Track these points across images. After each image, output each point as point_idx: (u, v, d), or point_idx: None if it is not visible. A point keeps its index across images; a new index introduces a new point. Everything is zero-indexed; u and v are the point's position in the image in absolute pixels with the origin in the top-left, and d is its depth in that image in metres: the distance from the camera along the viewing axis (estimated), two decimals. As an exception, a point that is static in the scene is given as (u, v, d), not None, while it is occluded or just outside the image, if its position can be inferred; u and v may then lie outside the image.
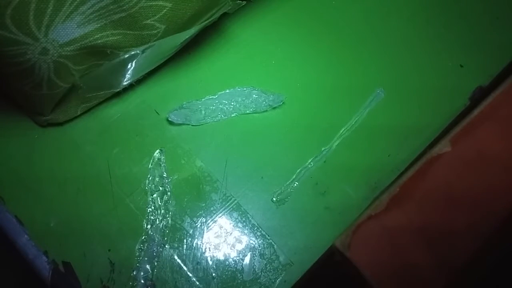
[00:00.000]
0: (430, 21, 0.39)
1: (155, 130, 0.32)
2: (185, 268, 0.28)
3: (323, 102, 0.35)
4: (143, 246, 0.28)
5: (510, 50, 0.38)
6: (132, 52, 0.27)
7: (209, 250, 0.29)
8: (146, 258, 0.28)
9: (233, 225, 0.30)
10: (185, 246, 0.29)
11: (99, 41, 0.25)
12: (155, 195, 0.30)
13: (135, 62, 0.29)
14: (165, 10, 0.26)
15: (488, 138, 0.32)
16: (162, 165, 0.31)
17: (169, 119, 0.32)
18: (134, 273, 0.28)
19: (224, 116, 0.33)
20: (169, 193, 0.30)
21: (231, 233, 0.30)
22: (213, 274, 0.28)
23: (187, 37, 0.29)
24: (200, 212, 0.30)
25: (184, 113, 0.32)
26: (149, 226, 0.29)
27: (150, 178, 0.31)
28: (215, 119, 0.33)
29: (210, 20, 0.30)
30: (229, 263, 0.29)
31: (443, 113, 0.35)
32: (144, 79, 0.34)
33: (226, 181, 0.31)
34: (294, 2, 0.39)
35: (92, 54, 0.26)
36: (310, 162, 0.32)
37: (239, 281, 0.28)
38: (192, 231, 0.30)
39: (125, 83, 0.31)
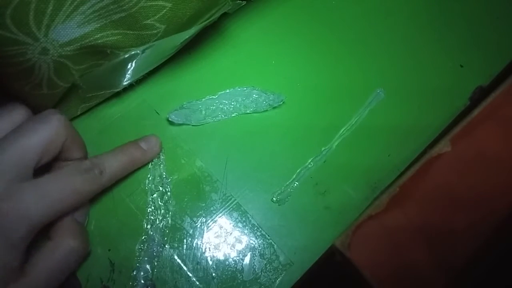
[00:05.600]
0: (430, 21, 0.39)
1: (155, 130, 0.32)
2: (185, 268, 0.28)
3: (323, 102, 0.35)
4: (143, 246, 0.28)
5: (510, 50, 0.38)
6: (132, 52, 0.27)
7: (209, 250, 0.29)
8: (146, 258, 0.28)
9: (233, 225, 0.30)
10: (185, 246, 0.29)
11: (99, 41, 0.25)
12: (155, 195, 0.30)
13: (135, 62, 0.29)
14: (165, 10, 0.26)
15: (488, 138, 0.32)
16: (162, 165, 0.31)
17: (170, 119, 0.32)
18: (134, 273, 0.28)
19: (224, 116, 0.33)
20: (169, 193, 0.30)
21: (231, 233, 0.30)
22: (213, 274, 0.28)
23: (187, 37, 0.29)
24: (200, 212, 0.30)
25: (184, 113, 0.32)
26: (149, 226, 0.29)
27: (150, 178, 0.31)
28: (216, 119, 0.33)
29: (210, 20, 0.30)
30: (229, 263, 0.29)
31: (443, 113, 0.35)
32: (144, 79, 0.34)
33: (226, 181, 0.31)
34: (294, 2, 0.39)
35: (92, 54, 0.26)
36: (310, 162, 0.32)
37: (239, 281, 0.28)
38: (192, 231, 0.30)
39: (125, 83, 0.31)
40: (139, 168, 0.31)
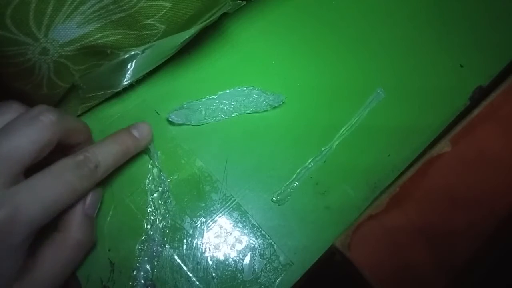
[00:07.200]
0: (430, 21, 0.39)
1: (155, 130, 0.32)
2: (185, 268, 0.28)
3: (323, 102, 0.35)
4: (143, 246, 0.28)
5: (510, 50, 0.38)
6: (132, 52, 0.27)
7: (209, 250, 0.29)
8: (146, 258, 0.28)
9: (233, 225, 0.30)
10: (185, 246, 0.29)
11: (99, 41, 0.25)
12: (155, 195, 0.30)
13: (135, 62, 0.29)
14: (165, 10, 0.26)
15: (488, 138, 0.32)
16: (162, 165, 0.31)
17: (170, 120, 0.32)
18: (134, 273, 0.28)
19: (224, 116, 0.33)
20: (169, 193, 0.30)
21: (231, 233, 0.30)
22: (213, 274, 0.28)
23: (187, 37, 0.29)
24: (200, 212, 0.30)
25: (185, 113, 0.32)
26: (149, 226, 0.29)
27: (150, 178, 0.31)
28: (216, 119, 0.33)
29: (210, 20, 0.30)
30: (229, 263, 0.29)
31: (443, 113, 0.35)
32: (144, 79, 0.34)
33: (226, 181, 0.31)
34: (294, 2, 0.39)
35: (92, 54, 0.26)
36: (310, 162, 0.32)
37: (239, 281, 0.28)
38: (192, 231, 0.30)
39: (125, 83, 0.31)
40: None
